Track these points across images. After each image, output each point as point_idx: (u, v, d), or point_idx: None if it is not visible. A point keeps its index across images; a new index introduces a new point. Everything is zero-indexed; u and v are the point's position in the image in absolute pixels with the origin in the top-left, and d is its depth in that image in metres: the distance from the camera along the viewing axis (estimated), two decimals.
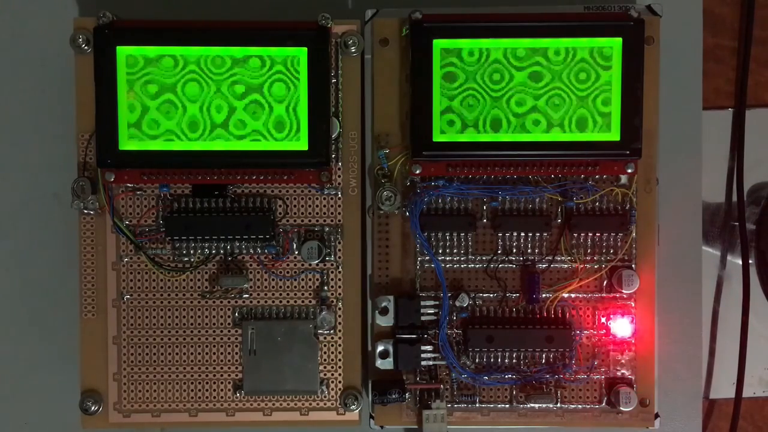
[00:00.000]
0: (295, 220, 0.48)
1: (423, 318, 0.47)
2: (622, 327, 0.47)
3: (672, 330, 0.51)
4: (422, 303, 0.47)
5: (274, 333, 0.47)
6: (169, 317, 0.48)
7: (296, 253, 0.48)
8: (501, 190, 0.47)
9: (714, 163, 0.54)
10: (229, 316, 0.48)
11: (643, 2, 0.47)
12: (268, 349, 0.47)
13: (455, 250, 0.48)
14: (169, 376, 0.48)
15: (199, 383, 0.48)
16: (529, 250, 0.48)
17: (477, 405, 0.48)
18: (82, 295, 0.48)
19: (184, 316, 0.48)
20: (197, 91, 0.45)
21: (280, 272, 0.48)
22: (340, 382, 0.48)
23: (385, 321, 0.47)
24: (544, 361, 0.47)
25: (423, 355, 0.47)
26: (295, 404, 0.48)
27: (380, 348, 0.47)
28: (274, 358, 0.47)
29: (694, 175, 0.52)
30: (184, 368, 0.48)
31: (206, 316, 0.48)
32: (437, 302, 0.47)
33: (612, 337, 0.47)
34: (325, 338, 0.48)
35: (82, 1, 0.52)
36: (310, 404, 0.48)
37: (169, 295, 0.48)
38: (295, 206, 0.48)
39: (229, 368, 0.48)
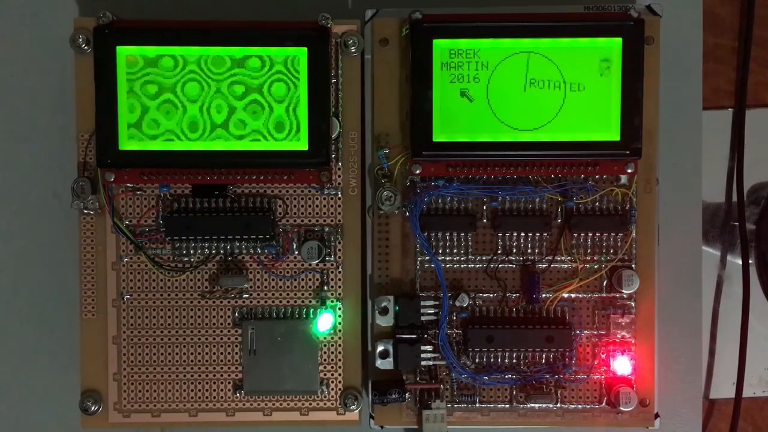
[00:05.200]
0: (295, 220, 0.48)
1: (423, 318, 0.47)
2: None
3: (672, 330, 0.51)
4: (422, 303, 0.47)
5: (274, 333, 0.47)
6: (169, 317, 0.48)
7: (296, 253, 0.48)
8: (501, 190, 0.47)
9: (714, 163, 0.54)
10: (229, 316, 0.48)
11: (643, 2, 0.47)
12: (268, 349, 0.47)
13: (455, 250, 0.48)
14: (169, 376, 0.48)
15: (199, 383, 0.48)
16: (529, 250, 0.48)
17: (477, 405, 0.48)
18: (82, 295, 0.48)
19: (184, 316, 0.48)
20: (197, 91, 0.45)
21: (280, 272, 0.48)
22: (340, 382, 0.48)
23: (385, 321, 0.47)
24: (544, 361, 0.47)
25: (423, 355, 0.47)
26: (295, 404, 0.48)
27: (380, 348, 0.47)
28: (274, 358, 0.47)
29: (694, 175, 0.52)
30: (184, 368, 0.48)
31: (206, 316, 0.48)
32: (437, 302, 0.47)
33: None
34: (325, 338, 0.48)
35: (82, 1, 0.52)
36: (310, 404, 0.48)
37: (169, 295, 0.48)
38: (295, 206, 0.48)
39: (229, 368, 0.48)
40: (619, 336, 0.48)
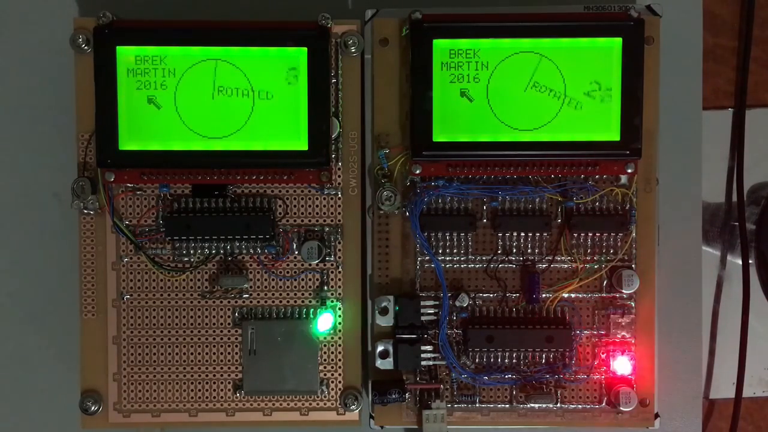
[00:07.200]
0: (295, 220, 0.48)
1: (423, 318, 0.47)
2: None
3: (672, 330, 0.51)
4: (422, 303, 0.47)
5: (274, 333, 0.47)
6: (169, 317, 0.48)
7: (296, 253, 0.48)
8: (501, 190, 0.47)
9: (714, 163, 0.54)
10: (229, 316, 0.48)
11: (643, 2, 0.47)
12: (268, 349, 0.47)
13: (455, 250, 0.48)
14: (169, 376, 0.48)
15: (199, 383, 0.48)
16: (529, 250, 0.48)
17: (477, 405, 0.48)
18: (82, 295, 0.48)
19: (184, 316, 0.48)
20: (197, 91, 0.45)
21: (280, 272, 0.48)
22: (340, 382, 0.48)
23: (385, 321, 0.47)
24: (544, 361, 0.47)
25: (423, 355, 0.47)
26: (295, 404, 0.48)
27: (380, 348, 0.47)
28: (274, 358, 0.47)
29: (694, 175, 0.52)
30: (184, 368, 0.48)
31: (206, 316, 0.48)
32: (437, 302, 0.47)
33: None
34: (325, 338, 0.48)
35: (82, 1, 0.52)
36: (310, 404, 0.48)
37: (169, 295, 0.48)
38: (295, 206, 0.48)
39: (229, 368, 0.48)
40: (619, 336, 0.48)
